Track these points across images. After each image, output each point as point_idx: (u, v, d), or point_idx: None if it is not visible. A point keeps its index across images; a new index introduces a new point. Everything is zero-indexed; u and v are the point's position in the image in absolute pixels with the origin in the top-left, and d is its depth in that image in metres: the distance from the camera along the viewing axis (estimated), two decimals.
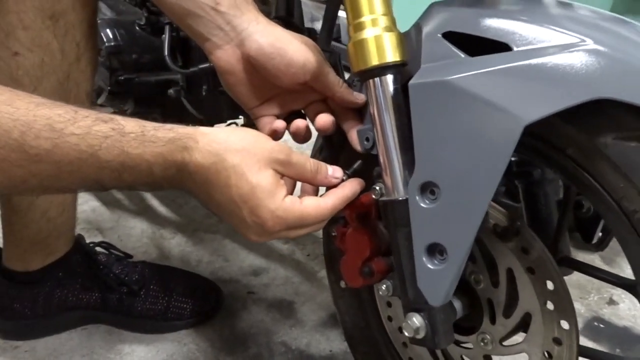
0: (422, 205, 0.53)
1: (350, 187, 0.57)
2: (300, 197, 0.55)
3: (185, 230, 1.32)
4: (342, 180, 0.58)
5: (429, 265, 0.55)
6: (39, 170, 0.47)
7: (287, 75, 0.58)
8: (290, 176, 0.55)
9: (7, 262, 0.93)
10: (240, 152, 0.51)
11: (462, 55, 0.50)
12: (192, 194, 0.53)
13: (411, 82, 0.52)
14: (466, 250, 0.52)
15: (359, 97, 0.60)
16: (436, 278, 0.55)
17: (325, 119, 0.61)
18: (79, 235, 0.98)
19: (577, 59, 0.44)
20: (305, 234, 0.57)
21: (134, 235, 1.30)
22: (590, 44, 0.44)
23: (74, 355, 0.94)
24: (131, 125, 0.50)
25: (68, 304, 0.95)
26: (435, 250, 0.54)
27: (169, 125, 0.52)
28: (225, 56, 0.59)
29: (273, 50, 0.57)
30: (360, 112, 0.62)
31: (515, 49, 0.47)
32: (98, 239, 1.08)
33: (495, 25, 0.49)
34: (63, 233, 0.93)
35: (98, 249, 1.00)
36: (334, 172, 0.58)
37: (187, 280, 1.04)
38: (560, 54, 0.45)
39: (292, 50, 0.58)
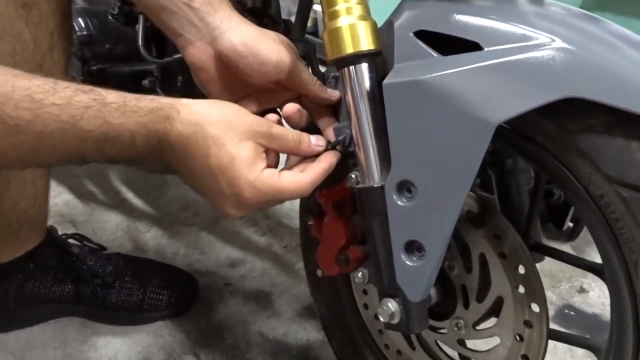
0: (399, 203, 0.54)
1: (327, 160, 0.58)
2: (281, 170, 0.55)
3: (161, 223, 1.31)
4: (326, 149, 0.59)
5: (408, 262, 0.56)
6: (19, 142, 0.46)
7: (260, 74, 0.58)
8: (274, 148, 0.55)
9: None
10: (220, 124, 0.51)
11: (434, 54, 0.51)
12: (172, 165, 0.53)
13: (385, 82, 0.53)
14: (443, 246, 0.54)
15: (333, 94, 0.61)
16: (415, 274, 0.56)
17: (290, 107, 0.60)
18: (51, 226, 0.97)
19: (545, 59, 0.45)
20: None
21: (109, 228, 1.28)
22: (558, 43, 0.45)
23: (46, 349, 0.92)
24: (112, 95, 0.50)
25: (40, 297, 0.94)
26: (413, 247, 0.55)
27: (149, 96, 0.52)
28: (197, 53, 0.59)
29: (245, 49, 0.57)
30: (336, 110, 0.62)
31: (485, 48, 0.48)
32: (71, 231, 1.06)
33: (466, 24, 0.49)
34: (34, 225, 0.91)
35: (71, 240, 0.98)
36: (317, 140, 0.58)
37: (162, 272, 1.04)
38: (529, 53, 0.46)
39: (265, 49, 0.58)
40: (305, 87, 0.60)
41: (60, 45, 0.74)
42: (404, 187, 0.54)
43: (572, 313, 1.10)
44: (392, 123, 0.53)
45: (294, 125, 0.63)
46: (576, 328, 1.06)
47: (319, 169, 0.56)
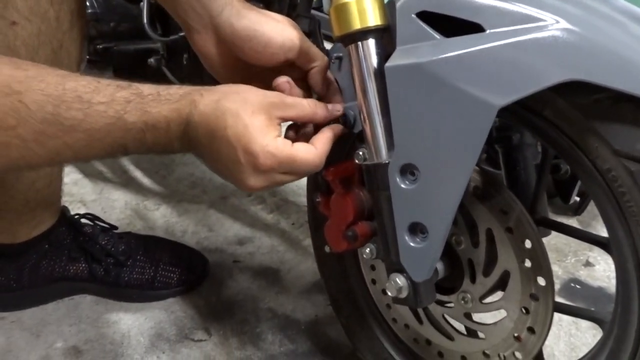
0: (402, 186, 0.55)
1: (332, 130, 0.58)
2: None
3: (170, 202, 1.32)
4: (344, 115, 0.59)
5: (412, 244, 0.57)
6: (73, 141, 0.50)
7: (266, 55, 0.59)
8: (291, 117, 0.56)
9: None
10: (236, 99, 0.53)
11: (437, 36, 0.50)
12: (197, 148, 0.55)
13: (387, 64, 0.52)
14: (446, 228, 0.54)
15: (333, 81, 0.62)
16: (419, 255, 0.57)
17: (280, 78, 0.60)
18: (64, 207, 0.98)
19: (548, 40, 0.44)
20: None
21: (118, 207, 1.30)
22: (562, 24, 0.44)
23: (61, 325, 0.94)
24: (147, 88, 0.54)
25: (54, 275, 0.96)
26: (416, 229, 0.56)
27: (177, 85, 0.56)
28: (201, 41, 0.61)
29: (248, 32, 0.58)
30: (341, 90, 0.62)
31: (487, 30, 0.47)
32: (82, 211, 1.08)
33: (468, 4, 0.49)
34: (50, 204, 0.93)
35: (83, 220, 1.00)
36: (334, 106, 0.59)
37: (173, 250, 1.05)
38: (532, 35, 0.45)
39: (268, 30, 0.58)
40: (314, 61, 0.61)
41: (79, 24, 0.75)
42: (407, 170, 0.55)
43: (577, 286, 1.11)
44: (394, 106, 0.53)
45: None
46: (582, 301, 1.07)
47: (325, 139, 0.57)
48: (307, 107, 0.57)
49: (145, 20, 0.95)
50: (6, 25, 0.66)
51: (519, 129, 0.71)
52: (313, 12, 0.84)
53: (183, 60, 0.99)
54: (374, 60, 0.55)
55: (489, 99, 0.47)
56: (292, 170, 0.55)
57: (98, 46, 1.00)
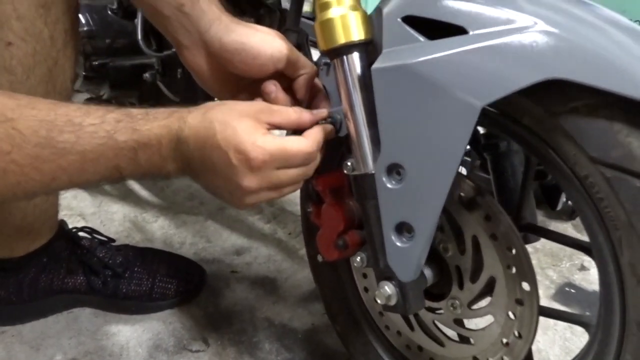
0: (388, 185, 0.56)
1: (326, 127, 0.59)
2: None
3: (167, 214, 1.34)
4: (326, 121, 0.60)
5: (398, 243, 0.58)
6: (67, 163, 0.52)
7: (255, 67, 0.60)
8: (277, 122, 0.57)
9: None
10: (222, 107, 0.55)
11: (421, 39, 0.52)
12: (190, 165, 0.56)
13: (373, 66, 0.54)
14: (432, 227, 0.55)
15: (321, 88, 0.63)
16: (405, 255, 0.58)
17: (267, 83, 0.61)
18: (62, 220, 0.99)
19: (528, 41, 0.46)
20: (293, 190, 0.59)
21: (116, 219, 1.31)
22: (541, 26, 0.46)
23: (60, 338, 0.95)
24: (136, 110, 0.56)
25: (53, 288, 0.97)
26: (403, 228, 0.57)
27: (164, 108, 0.57)
28: (191, 57, 0.62)
29: (237, 46, 0.60)
30: (329, 97, 0.64)
31: (470, 32, 0.49)
32: (81, 224, 1.09)
33: (451, 8, 0.50)
34: (48, 219, 0.94)
35: (81, 233, 1.01)
36: (319, 111, 0.60)
37: (170, 261, 1.06)
38: (513, 36, 0.46)
39: (257, 42, 0.60)
40: (301, 72, 0.62)
41: (72, 42, 0.77)
42: (394, 170, 0.56)
43: (572, 291, 1.12)
44: (381, 107, 0.55)
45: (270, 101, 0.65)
46: (577, 305, 1.08)
47: (317, 130, 0.58)
48: (292, 113, 0.58)
49: (139, 37, 0.97)
50: (2, 46, 0.68)
51: (507, 138, 0.72)
52: (304, 21, 0.85)
53: (177, 74, 1.01)
54: (359, 74, 0.57)
55: (472, 100, 0.48)
56: (286, 162, 0.55)
57: (94, 62, 1.02)
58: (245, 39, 0.60)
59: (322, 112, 0.61)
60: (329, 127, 0.60)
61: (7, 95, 0.51)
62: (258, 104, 0.57)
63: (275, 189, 0.57)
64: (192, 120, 0.54)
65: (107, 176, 0.55)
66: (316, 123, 0.60)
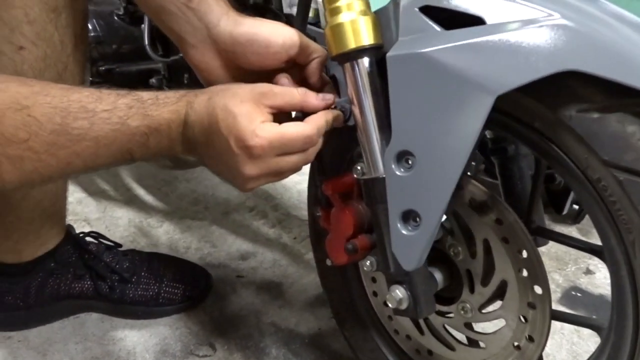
0: (397, 173, 0.56)
1: (332, 112, 0.59)
2: None
3: (172, 218, 1.34)
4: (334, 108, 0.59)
5: (403, 231, 0.57)
6: (81, 149, 0.53)
7: (269, 56, 0.60)
8: (279, 104, 0.57)
9: None
10: (225, 92, 0.56)
11: (438, 28, 0.52)
12: (195, 149, 0.57)
13: (388, 54, 0.53)
14: (439, 216, 0.55)
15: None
16: (410, 243, 0.57)
17: (280, 76, 0.61)
18: (69, 225, 0.99)
19: (546, 33, 0.46)
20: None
21: (121, 225, 1.31)
22: (557, 18, 0.46)
23: (67, 343, 0.95)
24: (146, 94, 0.56)
25: (60, 294, 0.97)
26: (409, 216, 0.57)
27: (174, 90, 0.58)
28: (199, 55, 0.62)
29: (248, 37, 0.59)
30: (338, 88, 0.63)
31: (488, 22, 0.49)
32: (86, 229, 1.09)
33: None
34: (55, 223, 0.94)
35: (88, 238, 1.01)
36: (325, 95, 0.59)
37: (177, 266, 1.06)
38: (531, 27, 0.47)
39: (267, 32, 0.59)
40: (314, 56, 0.62)
41: (82, 46, 0.77)
42: (403, 157, 0.55)
43: (578, 294, 1.11)
44: (394, 94, 0.54)
45: None
46: (583, 309, 1.07)
47: (320, 115, 0.58)
48: (296, 94, 0.58)
49: (146, 42, 0.97)
50: (14, 50, 0.68)
51: (512, 141, 0.73)
52: (309, 27, 0.86)
53: (184, 79, 1.01)
54: (370, 78, 0.57)
55: (488, 87, 0.48)
56: (284, 148, 0.55)
57: (101, 68, 1.02)
58: (256, 29, 0.59)
59: (329, 97, 0.59)
60: (337, 112, 0.59)
61: (20, 82, 0.52)
62: (261, 87, 0.56)
63: (276, 175, 0.58)
64: (198, 106, 0.55)
65: (119, 159, 0.56)
66: (324, 109, 0.59)
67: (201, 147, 0.56)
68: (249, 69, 0.62)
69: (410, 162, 0.55)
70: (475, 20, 0.50)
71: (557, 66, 0.46)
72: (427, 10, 0.53)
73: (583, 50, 0.45)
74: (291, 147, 0.56)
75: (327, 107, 0.59)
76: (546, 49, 0.46)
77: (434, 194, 0.54)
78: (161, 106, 0.55)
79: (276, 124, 0.55)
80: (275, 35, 0.59)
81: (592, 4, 0.50)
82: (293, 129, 0.55)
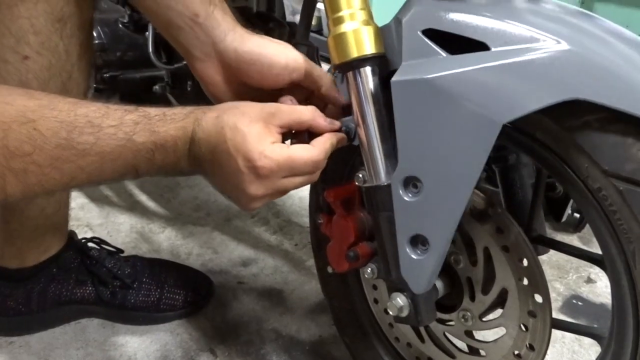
0: (405, 198, 0.56)
1: (337, 135, 0.59)
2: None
3: (174, 224, 1.34)
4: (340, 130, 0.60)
5: (412, 255, 0.58)
6: (86, 164, 0.52)
7: (271, 77, 0.61)
8: (288, 123, 0.57)
9: (1, 260, 0.94)
10: (234, 110, 0.56)
11: (442, 53, 0.52)
12: (202, 166, 0.56)
13: (393, 79, 0.54)
14: (447, 240, 0.55)
15: (341, 97, 0.63)
16: (419, 267, 0.58)
17: (283, 97, 0.62)
18: (71, 231, 1.00)
19: (550, 61, 0.46)
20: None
21: (124, 230, 1.31)
22: (563, 45, 0.47)
23: (68, 349, 0.95)
24: (154, 110, 0.56)
25: (62, 299, 0.97)
26: (418, 241, 0.58)
27: (181, 106, 0.58)
28: (205, 69, 0.62)
29: (252, 56, 0.60)
30: (343, 107, 0.64)
31: (492, 49, 0.49)
32: (88, 235, 1.10)
33: (473, 24, 0.51)
34: (58, 229, 0.94)
35: (90, 244, 1.01)
36: (332, 121, 0.60)
37: (178, 272, 1.06)
38: (536, 54, 0.47)
39: (271, 53, 0.60)
40: (318, 82, 0.62)
41: (86, 55, 0.78)
42: (410, 183, 0.56)
43: (579, 303, 1.11)
44: (399, 120, 0.55)
45: None
46: (584, 318, 1.07)
47: (326, 139, 0.58)
48: (305, 111, 0.58)
49: (150, 49, 0.98)
50: (19, 60, 0.69)
51: (514, 150, 0.73)
52: (312, 35, 0.86)
53: (187, 87, 1.02)
54: (372, 87, 0.57)
55: (493, 116, 0.48)
56: (292, 171, 0.56)
57: (105, 75, 1.03)
58: (262, 48, 0.60)
59: (336, 123, 0.60)
60: (342, 135, 0.60)
61: (28, 96, 0.52)
62: (269, 106, 0.57)
63: (279, 194, 0.58)
64: (206, 124, 0.55)
65: (124, 174, 0.56)
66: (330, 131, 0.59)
67: (207, 164, 0.56)
68: (252, 87, 0.63)
69: (417, 187, 0.55)
70: (479, 45, 0.50)
71: (563, 95, 0.46)
72: (429, 33, 0.53)
73: (589, 79, 0.45)
74: (299, 170, 0.56)
75: (333, 130, 0.60)
76: (551, 78, 0.46)
77: (442, 219, 0.55)
78: (168, 122, 0.55)
79: (285, 146, 0.55)
80: (279, 57, 0.60)
81: (591, 22, 0.50)
82: (302, 153, 0.56)
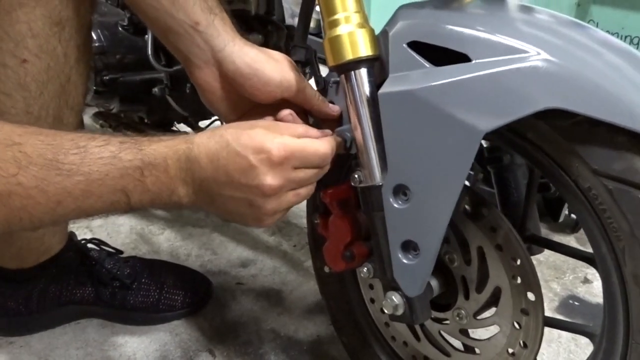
0: (395, 206, 0.58)
1: (337, 139, 0.60)
2: None
3: (174, 226, 1.35)
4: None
5: (404, 261, 0.59)
6: (72, 185, 0.51)
7: (264, 93, 0.62)
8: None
9: (1, 260, 0.95)
10: (230, 125, 0.57)
11: (427, 65, 0.54)
12: (202, 185, 0.55)
13: (380, 91, 0.56)
14: (437, 245, 0.57)
15: (334, 109, 0.64)
16: (411, 271, 0.60)
17: (284, 112, 0.63)
18: (71, 232, 1.01)
19: (529, 71, 0.48)
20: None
21: (123, 232, 1.32)
22: (543, 55, 0.48)
23: (68, 349, 0.96)
24: (141, 136, 0.56)
25: (62, 300, 0.98)
26: (409, 246, 0.59)
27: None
28: (203, 76, 0.63)
29: (250, 70, 0.61)
30: (337, 118, 0.65)
31: (473, 60, 0.51)
32: (88, 236, 1.11)
33: (455, 36, 0.52)
34: (58, 230, 0.95)
35: (90, 245, 1.02)
36: (324, 131, 0.61)
37: (177, 273, 1.07)
38: (515, 65, 0.48)
39: (268, 70, 0.61)
40: (309, 102, 0.64)
41: (85, 58, 0.78)
42: (400, 191, 0.58)
43: (576, 303, 1.12)
44: (387, 130, 0.57)
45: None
46: (580, 318, 1.08)
47: (331, 137, 0.59)
48: (299, 128, 0.59)
49: (149, 52, 0.99)
50: (17, 64, 0.69)
51: (511, 152, 0.74)
52: (311, 37, 0.87)
53: (186, 89, 1.03)
54: (367, 88, 0.58)
55: (475, 125, 0.50)
56: (304, 161, 0.56)
57: (105, 77, 1.04)
58: (259, 64, 0.61)
59: (327, 131, 0.61)
60: (340, 140, 0.61)
61: (16, 125, 0.52)
62: (264, 121, 0.59)
63: (294, 190, 0.57)
64: (200, 139, 0.55)
65: (115, 201, 0.54)
66: None
67: (209, 181, 0.55)
68: (247, 98, 0.63)
69: (407, 195, 0.57)
70: (462, 57, 0.51)
71: (540, 105, 0.47)
72: (414, 45, 0.55)
73: (567, 89, 0.47)
74: (309, 160, 0.56)
75: None
76: (530, 88, 0.48)
77: (431, 225, 0.56)
78: (155, 142, 0.55)
79: (295, 138, 0.56)
80: (275, 74, 0.61)
81: (581, 32, 0.51)
82: (313, 143, 0.57)
